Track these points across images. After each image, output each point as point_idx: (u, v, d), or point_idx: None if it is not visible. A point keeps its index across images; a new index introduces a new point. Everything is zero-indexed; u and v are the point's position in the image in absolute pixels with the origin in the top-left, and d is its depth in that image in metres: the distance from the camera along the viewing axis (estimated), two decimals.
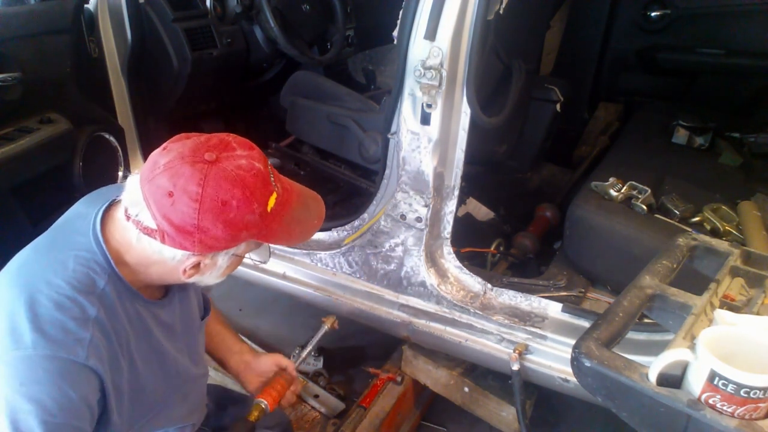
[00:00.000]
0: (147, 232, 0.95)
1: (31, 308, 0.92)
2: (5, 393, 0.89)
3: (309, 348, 1.75)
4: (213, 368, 2.32)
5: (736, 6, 2.94)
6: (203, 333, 1.37)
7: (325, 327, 1.82)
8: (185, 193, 0.91)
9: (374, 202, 1.87)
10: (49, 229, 1.08)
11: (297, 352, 2.40)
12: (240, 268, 2.35)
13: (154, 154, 0.96)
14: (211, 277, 1.06)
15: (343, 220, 1.97)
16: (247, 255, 1.09)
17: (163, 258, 0.99)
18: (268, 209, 0.98)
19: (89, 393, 0.96)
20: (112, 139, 2.17)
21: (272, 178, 1.01)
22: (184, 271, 1.01)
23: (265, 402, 1.40)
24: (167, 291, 1.17)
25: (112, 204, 1.05)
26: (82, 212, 1.06)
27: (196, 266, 1.01)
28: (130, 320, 1.05)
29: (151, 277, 1.05)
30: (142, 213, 0.94)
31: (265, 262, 1.17)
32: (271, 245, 1.13)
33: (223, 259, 1.03)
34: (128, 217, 0.97)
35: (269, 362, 1.47)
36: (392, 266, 1.87)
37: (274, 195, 1.00)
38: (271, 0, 2.53)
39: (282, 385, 1.44)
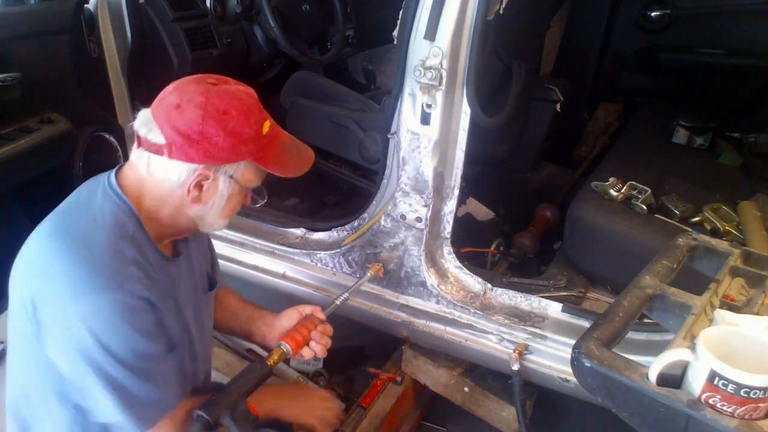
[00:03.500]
0: (155, 149, 1.04)
1: (80, 255, 1.02)
2: (77, 336, 1.00)
3: (346, 294, 1.61)
4: (214, 368, 2.32)
5: (736, 6, 2.94)
6: (211, 307, 1.40)
7: (369, 273, 1.81)
8: (191, 102, 1.03)
9: (374, 202, 1.86)
10: (59, 210, 1.12)
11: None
12: (239, 267, 2.33)
13: (163, 91, 1.08)
14: (213, 210, 1.11)
15: (343, 220, 1.97)
16: (246, 187, 1.14)
17: (171, 186, 1.07)
18: (264, 131, 1.09)
19: (149, 326, 1.07)
20: (112, 139, 2.16)
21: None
22: (188, 191, 1.07)
23: (287, 345, 1.30)
24: (175, 253, 1.23)
25: (122, 165, 1.14)
26: (89, 186, 1.13)
27: (199, 186, 1.07)
28: (153, 266, 1.11)
29: (164, 222, 1.12)
30: (152, 131, 1.04)
31: (262, 203, 1.22)
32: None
33: (224, 184, 1.09)
34: (139, 142, 1.06)
35: (289, 315, 1.41)
36: (392, 266, 1.87)
37: (268, 122, 1.11)
38: (271, 0, 2.53)
39: (308, 329, 1.34)
